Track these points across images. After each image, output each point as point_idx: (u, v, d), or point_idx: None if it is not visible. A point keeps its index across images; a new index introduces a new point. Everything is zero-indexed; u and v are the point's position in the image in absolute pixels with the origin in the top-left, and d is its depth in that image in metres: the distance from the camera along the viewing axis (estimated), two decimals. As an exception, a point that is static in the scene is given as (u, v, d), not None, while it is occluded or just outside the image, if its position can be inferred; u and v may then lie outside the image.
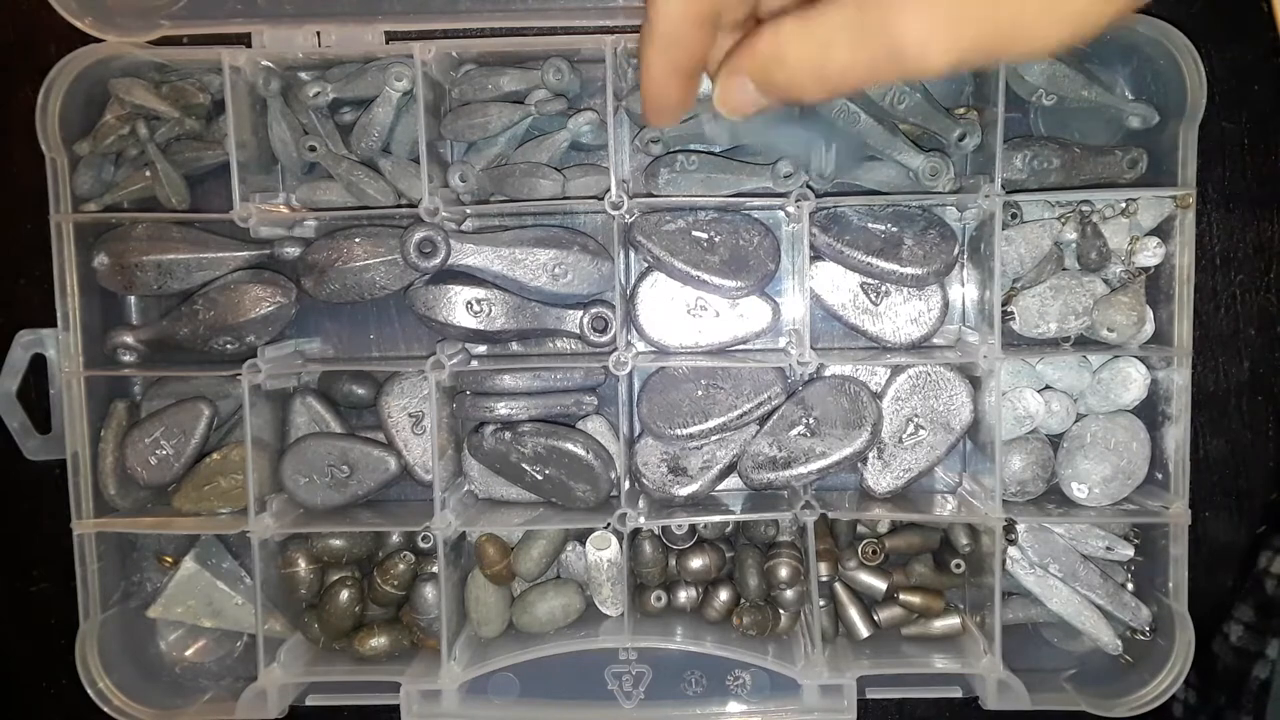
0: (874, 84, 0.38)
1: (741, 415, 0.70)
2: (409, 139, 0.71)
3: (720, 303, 0.71)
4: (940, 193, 0.70)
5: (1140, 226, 0.71)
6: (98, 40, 0.69)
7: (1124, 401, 0.72)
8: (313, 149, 0.71)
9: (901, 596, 0.74)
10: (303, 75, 0.73)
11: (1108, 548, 0.72)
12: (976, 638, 0.72)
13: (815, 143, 0.67)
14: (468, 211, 0.72)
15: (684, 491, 0.72)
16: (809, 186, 0.69)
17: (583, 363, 0.72)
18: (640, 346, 0.73)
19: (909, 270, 0.69)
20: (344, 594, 0.73)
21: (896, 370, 0.72)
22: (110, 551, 0.74)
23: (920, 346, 0.72)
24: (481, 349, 0.75)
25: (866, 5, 0.34)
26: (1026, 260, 0.71)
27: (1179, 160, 0.68)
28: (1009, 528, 0.71)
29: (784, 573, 0.71)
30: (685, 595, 0.74)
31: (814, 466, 0.69)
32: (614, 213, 0.68)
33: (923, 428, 0.71)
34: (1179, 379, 0.69)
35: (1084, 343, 0.72)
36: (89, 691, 0.71)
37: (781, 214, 0.74)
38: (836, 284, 0.71)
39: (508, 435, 0.71)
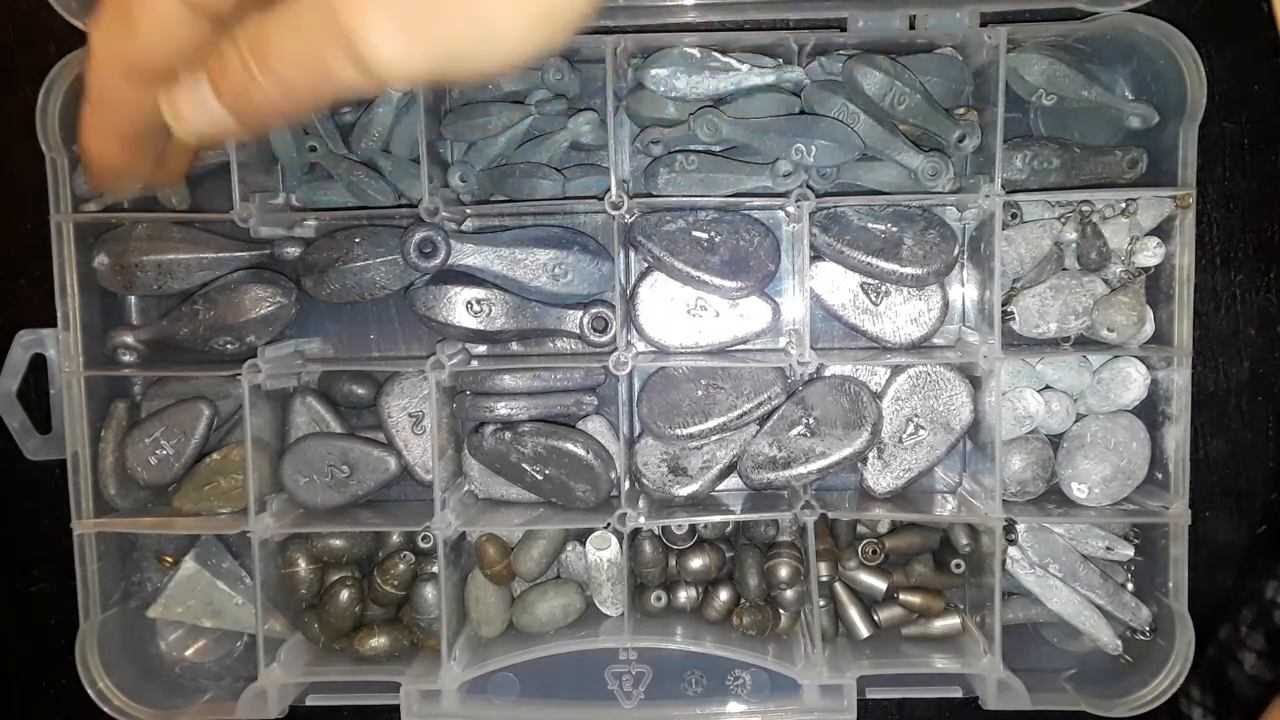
0: (319, 96, 0.34)
1: (741, 415, 0.70)
2: (409, 139, 0.71)
3: (720, 303, 0.71)
4: (940, 193, 0.70)
5: (1140, 226, 0.71)
6: (98, 40, 0.69)
7: (1124, 401, 0.72)
8: (313, 149, 0.71)
9: (901, 596, 0.74)
10: (303, 75, 0.73)
11: (1108, 548, 0.72)
12: (976, 638, 0.72)
13: (800, 142, 0.67)
14: (468, 211, 0.72)
15: (684, 491, 0.72)
16: (809, 186, 0.69)
17: (583, 363, 0.72)
18: (640, 346, 0.73)
19: (909, 270, 0.69)
20: (344, 594, 0.73)
21: (896, 370, 0.72)
22: (110, 551, 0.74)
23: (920, 346, 0.72)
24: (481, 349, 0.75)
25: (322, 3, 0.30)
26: (1026, 260, 0.71)
27: (1179, 160, 0.68)
28: (1009, 528, 0.71)
29: (784, 573, 0.71)
30: (685, 595, 0.74)
31: (814, 466, 0.69)
32: (614, 213, 0.68)
33: (923, 428, 0.71)
34: (1179, 379, 0.69)
35: (1084, 343, 0.72)
36: (89, 691, 0.71)
37: (781, 214, 0.74)
38: (836, 284, 0.71)
39: (508, 435, 0.71)
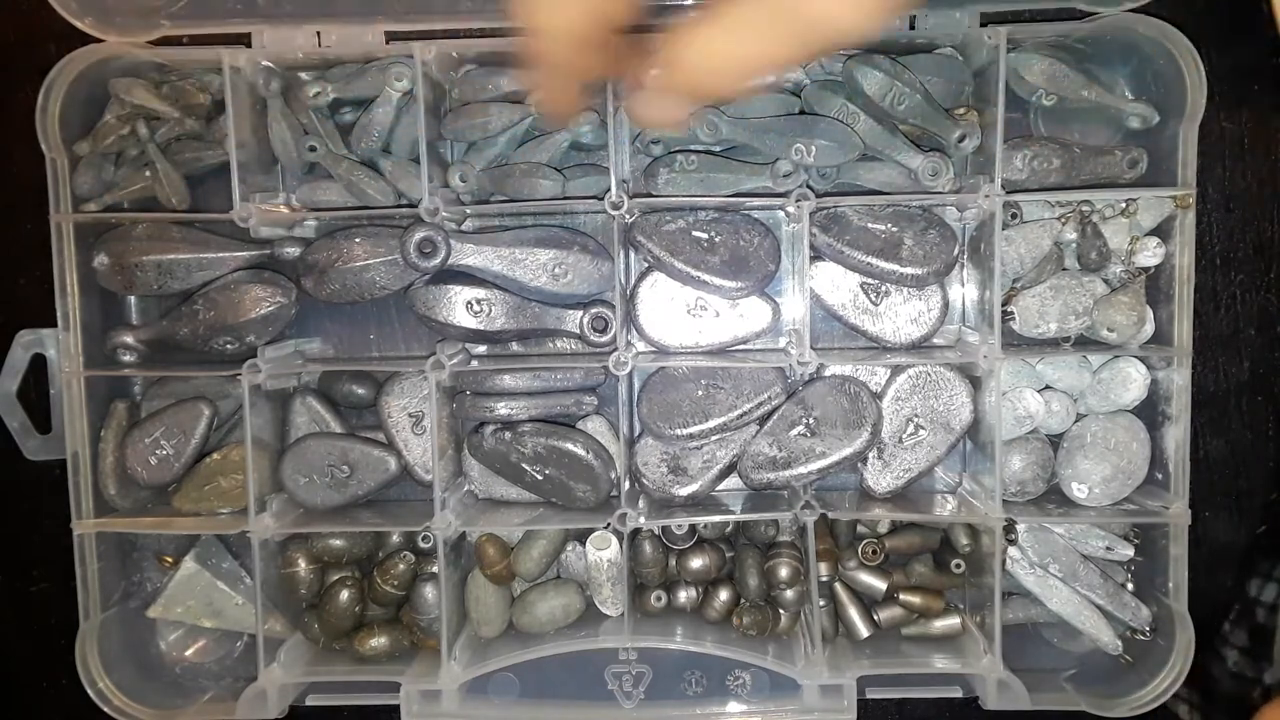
0: (792, 64, 0.39)
1: (741, 415, 0.70)
2: (409, 139, 0.71)
3: (720, 303, 0.71)
4: (940, 193, 0.70)
5: (1140, 226, 0.71)
6: (98, 40, 0.69)
7: (1124, 401, 0.72)
8: (313, 149, 0.71)
9: (901, 596, 0.74)
10: (303, 75, 0.73)
11: (1108, 548, 0.72)
12: (976, 638, 0.72)
13: (800, 142, 0.67)
14: (468, 211, 0.72)
15: (684, 491, 0.72)
16: (809, 186, 0.69)
17: (583, 363, 0.72)
18: (640, 346, 0.73)
19: (909, 270, 0.69)
20: (344, 594, 0.73)
21: (896, 370, 0.72)
22: (110, 551, 0.74)
23: (920, 346, 0.72)
24: (481, 349, 0.75)
25: None
26: (1026, 260, 0.71)
27: (1179, 160, 0.68)
28: (1009, 528, 0.71)
29: (784, 573, 0.71)
30: (685, 595, 0.74)
31: (814, 466, 0.69)
32: (614, 213, 0.68)
33: (923, 428, 0.71)
34: (1179, 379, 0.69)
35: (1084, 343, 0.72)
36: (89, 691, 0.71)
37: (781, 214, 0.74)
38: (836, 284, 0.71)
39: (508, 435, 0.71)
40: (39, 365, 0.72)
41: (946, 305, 0.72)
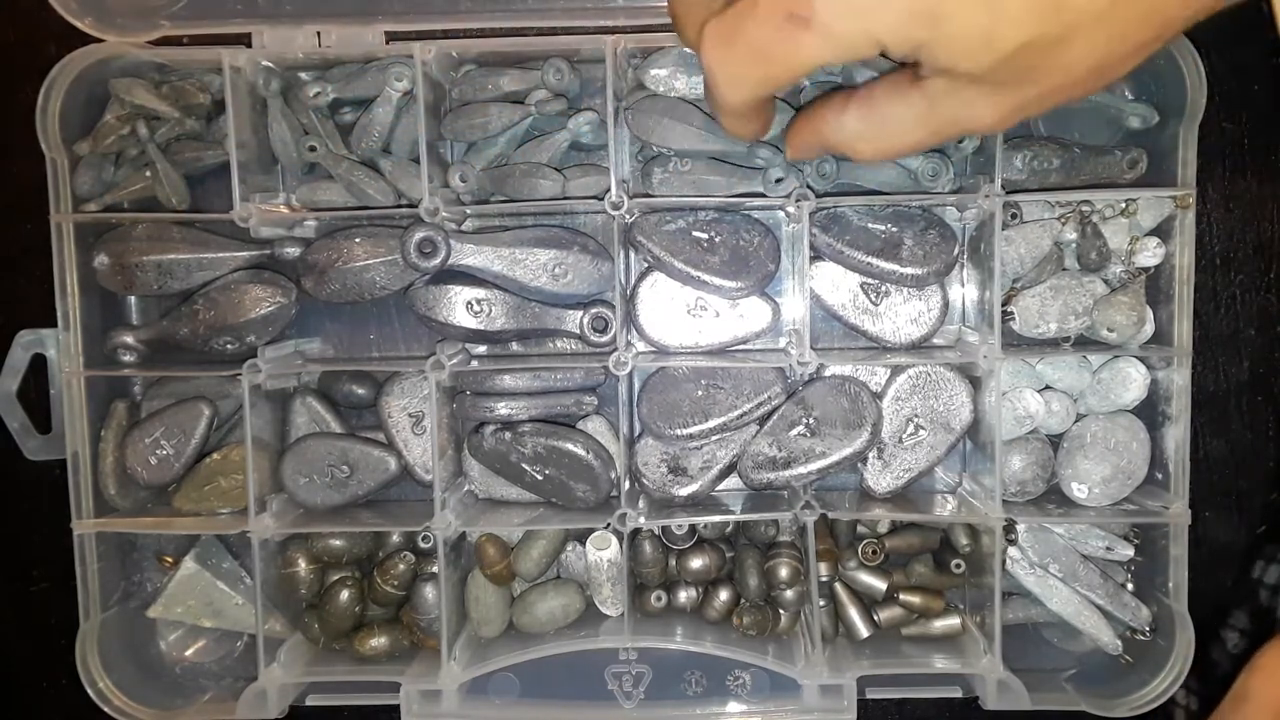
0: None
1: (741, 415, 0.70)
2: (409, 139, 0.71)
3: (720, 303, 0.71)
4: (940, 193, 0.70)
5: (1140, 226, 0.71)
6: (98, 40, 0.69)
7: (1124, 401, 0.72)
8: (313, 149, 0.71)
9: (901, 596, 0.74)
10: (303, 75, 0.73)
11: (1108, 548, 0.72)
12: (976, 638, 0.72)
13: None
14: (468, 211, 0.72)
15: (684, 491, 0.72)
16: (808, 186, 0.69)
17: (583, 363, 0.72)
18: (640, 346, 0.73)
19: (909, 270, 0.69)
20: (344, 594, 0.73)
21: (896, 370, 0.72)
22: (110, 551, 0.74)
23: (920, 346, 0.72)
24: (481, 349, 0.75)
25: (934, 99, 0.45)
26: (1026, 260, 0.71)
27: (1179, 160, 0.68)
28: (1009, 528, 0.71)
29: (784, 573, 0.71)
30: (685, 595, 0.74)
31: (814, 466, 0.69)
32: (614, 213, 0.68)
33: (923, 428, 0.71)
34: (1179, 379, 0.69)
35: (1084, 343, 0.72)
36: (89, 691, 0.71)
37: (781, 214, 0.74)
38: (836, 284, 0.71)
39: (508, 435, 0.71)
40: (39, 365, 0.72)
41: (946, 305, 0.72)
